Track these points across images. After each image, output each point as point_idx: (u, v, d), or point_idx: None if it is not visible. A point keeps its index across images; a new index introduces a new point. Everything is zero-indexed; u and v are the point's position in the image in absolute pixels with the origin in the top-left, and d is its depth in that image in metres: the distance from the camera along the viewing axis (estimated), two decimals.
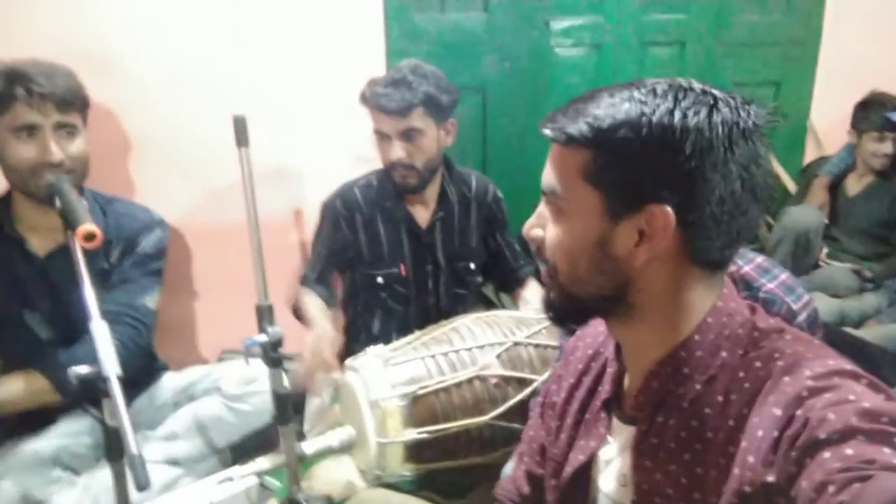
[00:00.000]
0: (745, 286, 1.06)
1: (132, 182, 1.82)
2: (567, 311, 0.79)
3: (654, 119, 0.65)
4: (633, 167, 0.67)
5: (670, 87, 0.68)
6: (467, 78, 2.12)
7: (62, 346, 1.47)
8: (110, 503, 1.16)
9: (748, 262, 1.08)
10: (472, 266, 1.84)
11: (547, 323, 1.52)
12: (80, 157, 1.46)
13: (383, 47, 1.96)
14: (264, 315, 1.22)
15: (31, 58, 1.42)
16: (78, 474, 1.45)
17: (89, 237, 1.07)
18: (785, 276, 1.08)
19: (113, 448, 1.09)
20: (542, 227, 0.76)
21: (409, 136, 1.64)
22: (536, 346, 1.46)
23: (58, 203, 1.20)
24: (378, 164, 1.78)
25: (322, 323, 1.59)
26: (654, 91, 0.67)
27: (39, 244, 1.50)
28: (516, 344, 1.46)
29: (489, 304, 2.01)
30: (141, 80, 1.75)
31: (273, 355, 1.21)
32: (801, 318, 1.06)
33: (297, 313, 1.72)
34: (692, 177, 0.65)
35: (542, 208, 0.77)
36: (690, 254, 0.70)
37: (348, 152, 1.94)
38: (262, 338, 1.20)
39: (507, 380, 1.41)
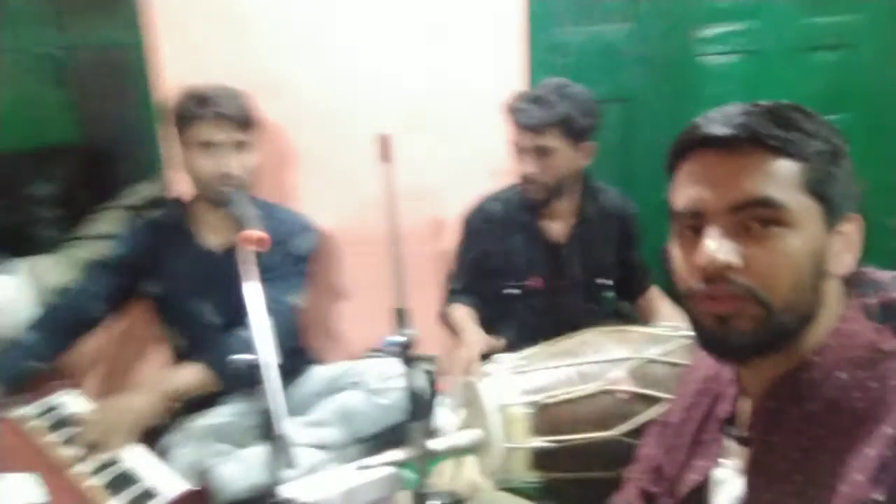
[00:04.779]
0: None
1: (292, 191, 2.01)
2: (763, 345, 0.70)
3: (831, 129, 0.72)
4: (841, 176, 0.70)
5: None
6: (610, 89, 2.11)
7: (228, 332, 1.64)
8: (263, 477, 1.31)
9: None
10: (607, 282, 1.83)
11: (684, 341, 1.48)
12: (250, 169, 1.65)
13: (526, 61, 2.00)
14: (400, 317, 1.31)
15: (214, 83, 1.63)
16: (240, 448, 1.63)
17: (256, 241, 1.22)
18: None
19: (267, 428, 1.23)
20: (735, 250, 0.68)
21: (541, 153, 1.66)
22: (671, 364, 1.42)
23: (233, 210, 1.38)
24: (512, 179, 1.83)
25: (475, 332, 1.66)
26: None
27: (214, 242, 1.70)
28: (649, 361, 1.43)
29: (625, 320, 1.98)
30: (303, 101, 1.93)
31: (407, 354, 1.29)
32: None
33: (447, 324, 1.81)
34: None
35: (722, 230, 0.69)
36: None
37: (489, 165, 2.00)
38: (399, 338, 1.29)
39: (636, 396, 1.39)
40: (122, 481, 1.20)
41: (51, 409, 1.45)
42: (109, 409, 1.43)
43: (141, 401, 1.48)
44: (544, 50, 2.05)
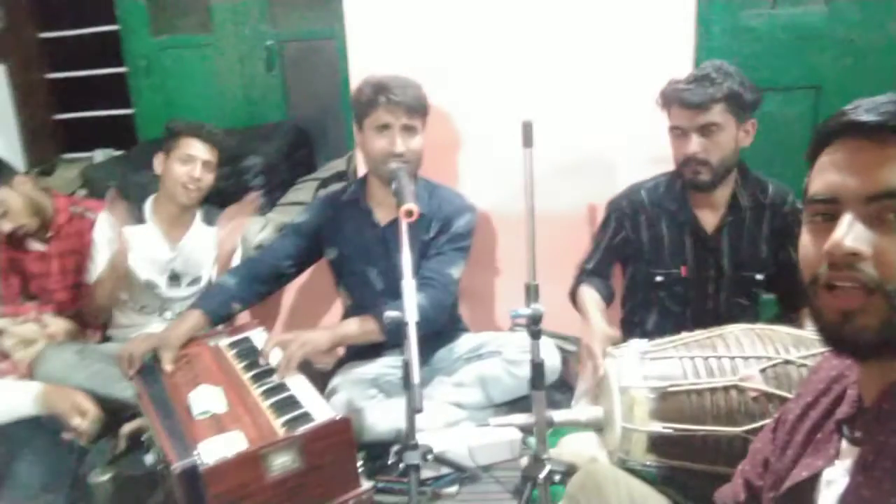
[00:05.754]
0: None
1: (455, 173, 2.17)
2: (887, 344, 0.69)
3: None
4: None
5: None
6: (799, 75, 1.99)
7: (392, 296, 1.83)
8: (402, 424, 1.48)
9: None
10: (759, 277, 1.75)
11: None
12: (417, 151, 1.82)
13: (691, 48, 1.95)
14: (531, 293, 1.39)
15: (392, 74, 1.82)
16: (389, 397, 1.85)
17: (409, 213, 1.39)
18: None
19: (407, 378, 1.39)
20: (867, 240, 0.67)
21: (707, 130, 1.64)
22: (809, 367, 1.35)
23: (394, 185, 1.56)
24: (671, 167, 1.81)
25: (596, 319, 1.69)
26: None
27: (382, 216, 1.91)
28: (787, 362, 1.37)
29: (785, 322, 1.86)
30: (466, 88, 2.08)
31: (533, 328, 1.38)
32: None
33: (575, 302, 1.87)
34: None
35: (856, 218, 0.68)
36: None
37: (646, 153, 1.99)
38: (526, 311, 1.38)
39: (768, 396, 1.34)
40: (287, 404, 1.44)
41: (241, 343, 1.76)
42: (292, 338, 1.69)
43: (317, 335, 1.73)
44: (721, 35, 1.99)
